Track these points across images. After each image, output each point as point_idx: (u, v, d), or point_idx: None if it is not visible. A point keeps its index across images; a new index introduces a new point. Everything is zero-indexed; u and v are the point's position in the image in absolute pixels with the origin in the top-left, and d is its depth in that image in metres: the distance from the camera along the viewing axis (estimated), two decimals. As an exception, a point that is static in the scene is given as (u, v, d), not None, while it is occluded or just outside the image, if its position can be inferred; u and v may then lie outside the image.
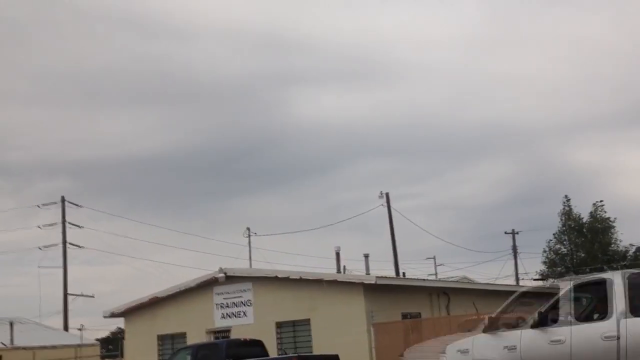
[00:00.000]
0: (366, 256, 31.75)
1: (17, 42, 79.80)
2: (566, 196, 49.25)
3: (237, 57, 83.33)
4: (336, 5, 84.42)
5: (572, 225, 48.48)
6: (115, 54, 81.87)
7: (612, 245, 47.46)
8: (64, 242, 45.85)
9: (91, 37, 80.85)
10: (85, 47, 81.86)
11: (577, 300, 11.16)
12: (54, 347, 41.33)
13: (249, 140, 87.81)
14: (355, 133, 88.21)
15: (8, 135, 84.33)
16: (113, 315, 27.19)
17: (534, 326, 10.78)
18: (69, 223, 46.30)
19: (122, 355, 30.01)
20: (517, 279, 53.91)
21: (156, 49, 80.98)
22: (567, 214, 48.79)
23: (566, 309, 10.76)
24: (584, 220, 48.28)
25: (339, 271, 32.05)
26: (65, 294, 45.31)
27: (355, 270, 36.09)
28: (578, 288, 11.17)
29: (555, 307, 10.91)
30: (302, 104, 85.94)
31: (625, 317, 9.99)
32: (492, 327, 11.63)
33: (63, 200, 46.41)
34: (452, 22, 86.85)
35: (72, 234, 46.42)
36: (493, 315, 11.90)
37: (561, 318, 10.68)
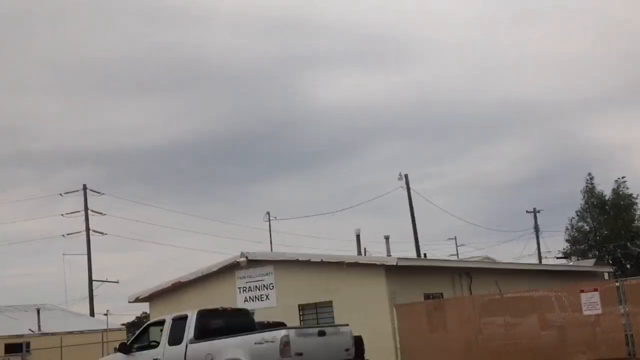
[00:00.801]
0: (387, 238, 31.69)
1: (37, 33, 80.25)
2: (589, 174, 48.80)
3: (255, 41, 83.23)
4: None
5: (595, 203, 48.05)
6: (135, 43, 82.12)
7: (636, 222, 46.96)
8: (87, 229, 46.30)
9: (111, 27, 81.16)
10: (105, 37, 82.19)
11: (172, 329, 15.14)
12: (81, 332, 41.91)
13: (268, 124, 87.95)
14: (374, 114, 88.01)
15: (31, 125, 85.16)
16: (138, 300, 27.44)
17: (120, 350, 15.86)
18: (92, 211, 46.73)
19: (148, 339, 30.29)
20: (540, 258, 53.61)
21: (174, 36, 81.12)
22: (590, 192, 48.35)
23: (164, 335, 15.14)
24: (607, 198, 47.82)
25: (359, 253, 32.06)
26: (90, 280, 45.80)
27: (376, 252, 36.16)
28: (176, 320, 15.14)
29: (145, 333, 15.90)
30: (321, 87, 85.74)
31: (192, 343, 14.22)
32: (126, 349, 15.72)
33: (85, 188, 46.80)
34: (471, 0, 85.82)
35: (94, 222, 46.90)
36: (127, 342, 16.25)
37: (162, 341, 15.09)
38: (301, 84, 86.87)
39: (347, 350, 14.40)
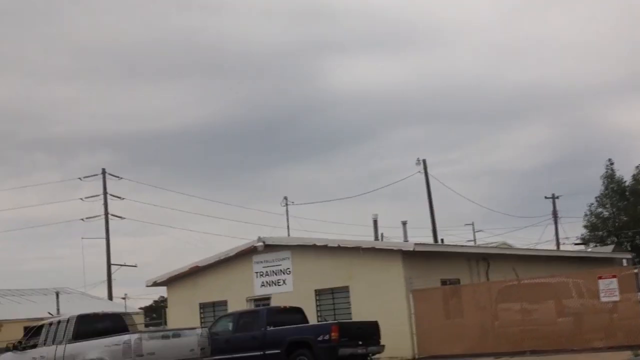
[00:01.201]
0: (404, 223, 31.65)
1: (55, 18, 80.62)
2: (610, 160, 48.36)
3: (272, 27, 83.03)
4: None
5: (615, 189, 47.65)
6: (153, 28, 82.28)
7: (656, 208, 46.53)
8: (106, 213, 46.65)
9: (125, 11, 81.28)
10: (123, 22, 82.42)
11: (56, 330, 16.82)
12: (99, 315, 42.22)
13: (287, 110, 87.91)
14: (392, 100, 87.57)
15: (50, 110, 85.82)
16: (156, 284, 27.69)
17: (12, 349, 18.04)
18: (110, 195, 47.07)
19: (165, 323, 30.62)
20: (558, 244, 53.30)
21: (192, 21, 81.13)
22: (610, 177, 47.94)
23: (50, 336, 16.90)
24: (627, 184, 47.39)
25: (376, 238, 32.06)
26: (109, 264, 46.25)
27: (393, 237, 36.09)
28: (59, 322, 16.95)
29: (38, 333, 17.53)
30: (339, 73, 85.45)
31: (69, 343, 16.13)
32: (16, 347, 17.84)
33: (104, 172, 47.11)
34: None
35: (113, 206, 47.18)
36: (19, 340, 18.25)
37: (47, 341, 16.92)
38: (320, 68, 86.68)
39: (191, 350, 16.09)
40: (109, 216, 46.74)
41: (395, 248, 21.52)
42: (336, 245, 22.66)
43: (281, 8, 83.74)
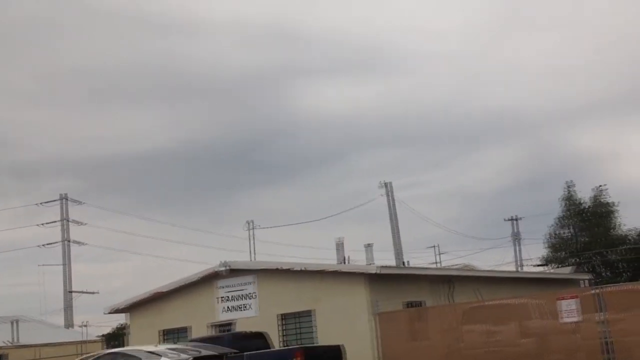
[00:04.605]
0: (368, 246, 31.72)
1: (23, 41, 79.57)
2: (569, 181, 49.26)
3: (243, 51, 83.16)
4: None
5: (575, 210, 48.45)
6: (120, 51, 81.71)
7: (614, 230, 47.41)
8: (65, 239, 45.80)
9: (96, 34, 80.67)
10: (91, 45, 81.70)
11: None
12: (58, 344, 41.40)
13: (253, 133, 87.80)
14: (360, 124, 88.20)
15: (16, 135, 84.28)
16: (117, 311, 27.20)
17: None
18: (72, 220, 46.27)
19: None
20: (519, 265, 53.94)
21: (161, 44, 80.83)
22: (569, 199, 48.76)
23: None
24: (587, 205, 48.24)
25: (341, 262, 32.04)
26: (68, 291, 45.29)
27: (359, 260, 36.11)
28: None
29: None
30: (308, 96, 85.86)
31: None
32: None
33: (62, 198, 46.34)
34: (457, 10, 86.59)
35: (75, 232, 46.45)
36: None
37: None
38: (288, 92, 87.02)
39: None
40: (70, 242, 45.91)
41: (359, 271, 21.51)
42: (301, 269, 22.57)
43: (249, 32, 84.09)
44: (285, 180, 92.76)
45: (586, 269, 43.51)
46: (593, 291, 17.57)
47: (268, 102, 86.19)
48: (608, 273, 46.20)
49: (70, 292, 45.75)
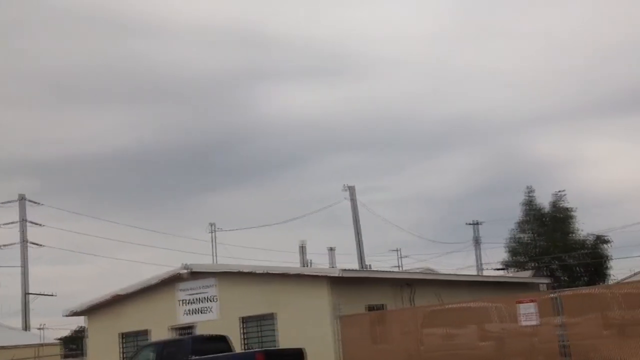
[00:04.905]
0: (331, 249, 31.79)
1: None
2: (529, 187, 50.03)
3: (207, 54, 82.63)
4: (307, 1, 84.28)
5: (534, 215, 49.21)
6: (82, 53, 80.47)
7: (572, 234, 48.26)
8: (22, 240, 44.89)
9: (59, 36, 79.33)
10: (53, 46, 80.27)
11: None
12: (14, 347, 40.51)
13: (217, 136, 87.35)
14: (324, 128, 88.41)
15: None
16: (74, 314, 26.74)
17: None
18: (30, 222, 45.37)
19: (84, 354, 29.53)
20: (479, 269, 54.58)
21: (125, 47, 79.81)
22: (529, 204, 49.52)
23: None
24: (546, 210, 49.04)
25: (304, 265, 32.04)
26: (25, 294, 44.40)
27: (322, 264, 36.20)
28: None
29: None
30: (271, 100, 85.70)
31: None
32: None
33: (21, 198, 45.41)
34: (422, 17, 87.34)
35: (32, 233, 45.53)
36: None
37: None
38: (252, 95, 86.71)
39: None
40: (28, 244, 45.01)
41: (321, 274, 21.50)
42: (263, 271, 22.47)
43: (214, 35, 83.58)
44: (249, 183, 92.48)
45: (545, 273, 44.22)
46: (552, 295, 17.83)
47: (231, 104, 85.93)
48: (566, 277, 47.01)
49: (29, 294, 44.84)
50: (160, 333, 23.49)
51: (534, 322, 17.30)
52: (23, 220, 45.01)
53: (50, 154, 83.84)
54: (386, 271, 29.50)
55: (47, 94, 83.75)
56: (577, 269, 47.45)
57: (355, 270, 30.68)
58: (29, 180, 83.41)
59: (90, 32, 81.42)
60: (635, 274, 44.96)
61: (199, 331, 22.47)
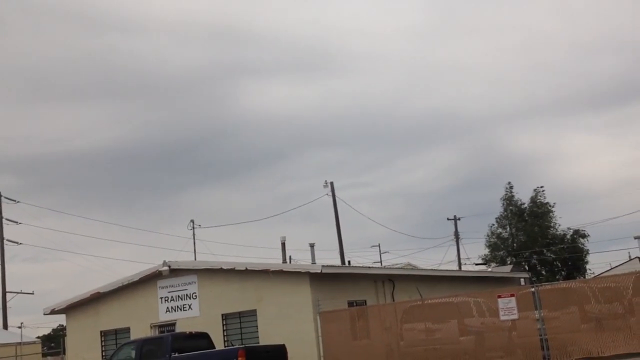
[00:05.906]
0: (312, 245, 31.80)
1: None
2: (509, 183, 50.47)
3: (186, 50, 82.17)
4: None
5: (514, 210, 49.65)
6: (60, 48, 79.65)
7: (551, 229, 48.76)
8: (0, 238, 44.43)
9: (34, 31, 78.39)
10: (29, 42, 79.33)
11: None
12: (-7, 346, 40.04)
13: (197, 133, 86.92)
14: (304, 124, 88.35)
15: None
16: (54, 312, 26.51)
17: None
18: (6, 219, 44.89)
19: (64, 352, 29.30)
20: (460, 264, 54.91)
21: (102, 42, 79.10)
22: (509, 199, 49.95)
23: None
24: (525, 206, 49.49)
25: (285, 261, 32.02)
26: (4, 292, 43.96)
27: (303, 260, 36.20)
28: None
29: None
30: (251, 96, 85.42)
31: None
32: None
33: (-2, 195, 44.90)
34: (400, 13, 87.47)
35: (9, 231, 45.06)
36: None
37: None
38: (233, 92, 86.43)
39: None
40: (4, 242, 44.55)
41: (302, 270, 21.51)
42: (243, 268, 22.43)
43: (196, 31, 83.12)
44: (229, 179, 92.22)
45: (524, 268, 44.63)
46: (531, 289, 18.00)
47: (211, 101, 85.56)
48: (545, 272, 47.50)
49: (6, 292, 44.37)
50: (141, 331, 23.38)
51: (513, 317, 17.47)
52: (0, 218, 44.54)
53: (26, 151, 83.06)
54: (367, 267, 29.57)
55: (22, 90, 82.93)
56: (556, 263, 47.95)
57: (337, 266, 30.70)
58: (4, 178, 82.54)
59: (67, 28, 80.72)
60: (612, 268, 45.57)
61: (180, 328, 22.40)
